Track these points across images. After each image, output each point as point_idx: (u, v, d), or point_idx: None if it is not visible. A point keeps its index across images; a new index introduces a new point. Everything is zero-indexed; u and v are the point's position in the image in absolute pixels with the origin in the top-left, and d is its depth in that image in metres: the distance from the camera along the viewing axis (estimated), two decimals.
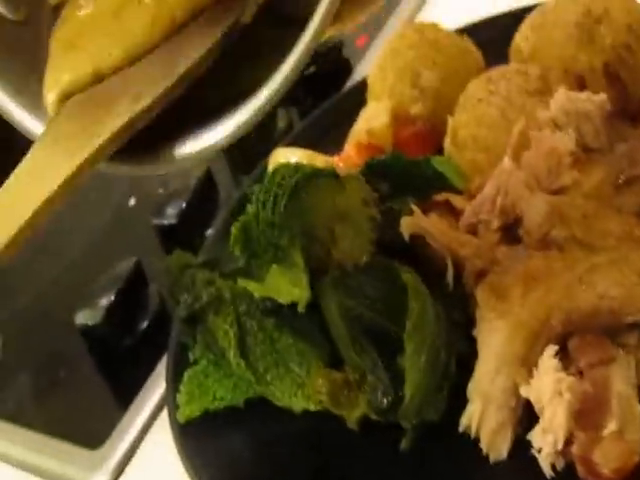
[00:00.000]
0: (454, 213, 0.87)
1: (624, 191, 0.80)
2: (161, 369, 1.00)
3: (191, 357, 0.92)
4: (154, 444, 0.99)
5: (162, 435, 0.96)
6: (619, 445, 0.68)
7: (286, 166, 0.87)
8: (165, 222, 1.10)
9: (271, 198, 0.86)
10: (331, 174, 0.84)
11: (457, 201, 0.87)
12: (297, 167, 0.86)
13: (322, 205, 0.85)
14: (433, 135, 0.98)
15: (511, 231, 0.82)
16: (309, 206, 0.85)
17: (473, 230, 0.84)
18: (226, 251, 0.94)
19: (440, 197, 0.87)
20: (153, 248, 1.11)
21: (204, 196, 1.13)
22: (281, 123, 1.18)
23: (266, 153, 1.02)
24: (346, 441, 0.82)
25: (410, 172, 0.88)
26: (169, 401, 0.90)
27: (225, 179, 1.16)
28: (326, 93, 1.15)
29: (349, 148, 0.95)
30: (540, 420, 0.72)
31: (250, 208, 0.90)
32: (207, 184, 1.14)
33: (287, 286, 0.86)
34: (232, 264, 0.93)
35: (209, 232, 1.04)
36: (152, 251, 1.10)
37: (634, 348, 0.73)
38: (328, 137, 1.02)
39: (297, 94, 1.18)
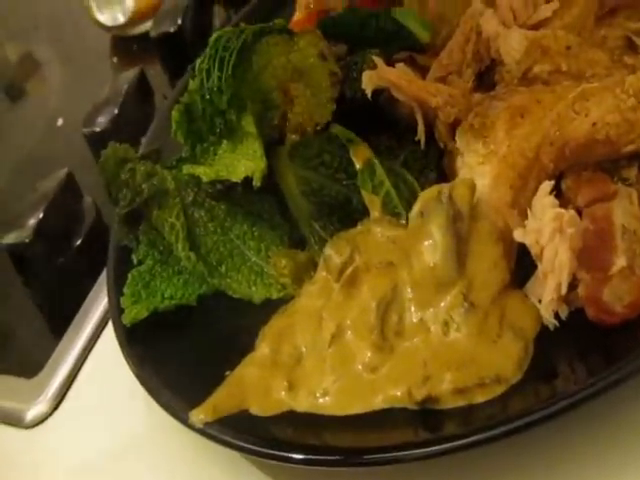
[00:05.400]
0: (419, 72, 0.78)
1: (607, 22, 0.72)
2: (100, 285, 0.90)
3: (135, 260, 0.81)
4: (96, 366, 0.87)
5: (105, 356, 0.86)
6: (631, 280, 0.60)
7: (228, 30, 0.78)
8: (97, 129, 0.99)
9: (216, 64, 0.76)
10: (282, 29, 0.75)
11: (421, 59, 0.79)
12: (242, 28, 0.77)
13: (274, 65, 0.76)
14: None
15: (485, 79, 0.74)
16: (260, 67, 0.76)
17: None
18: (169, 143, 0.85)
19: (402, 55, 0.78)
20: (86, 159, 0.99)
21: (138, 100, 1.02)
22: (217, 20, 1.08)
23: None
24: None
25: (368, 27, 0.79)
26: (112, 307, 0.79)
27: (160, 80, 1.06)
28: None
29: (298, 12, 0.85)
30: (539, 266, 0.63)
31: (192, 84, 0.80)
32: (141, 88, 1.04)
33: (240, 161, 0.77)
34: (176, 155, 0.84)
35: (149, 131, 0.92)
36: (85, 162, 0.98)
37: (635, 182, 0.65)
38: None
39: None
